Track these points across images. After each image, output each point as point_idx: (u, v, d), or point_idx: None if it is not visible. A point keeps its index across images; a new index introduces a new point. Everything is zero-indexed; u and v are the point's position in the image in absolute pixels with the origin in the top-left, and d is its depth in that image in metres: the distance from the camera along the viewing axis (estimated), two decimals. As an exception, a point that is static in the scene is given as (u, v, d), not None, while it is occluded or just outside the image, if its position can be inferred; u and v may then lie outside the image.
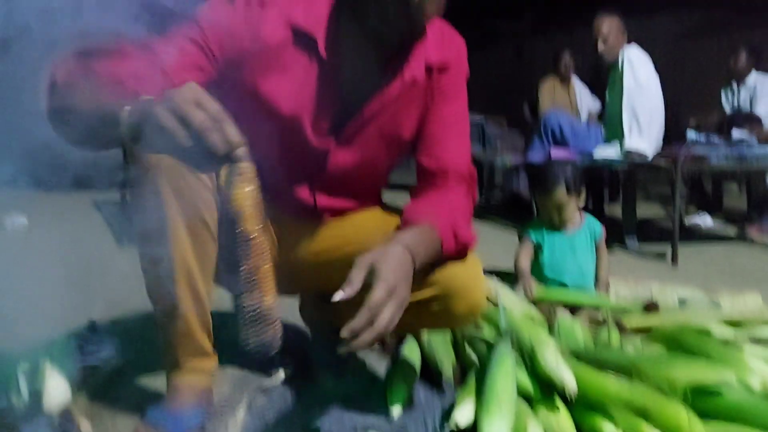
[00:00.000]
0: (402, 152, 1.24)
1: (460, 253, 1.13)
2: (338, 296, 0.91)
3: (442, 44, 1.18)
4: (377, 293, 0.91)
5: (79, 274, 2.40)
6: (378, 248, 0.97)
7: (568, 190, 2.03)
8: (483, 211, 4.71)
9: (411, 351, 1.45)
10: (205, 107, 0.82)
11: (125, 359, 1.46)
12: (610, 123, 3.63)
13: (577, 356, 1.43)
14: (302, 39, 1.09)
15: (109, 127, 0.88)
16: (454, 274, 1.13)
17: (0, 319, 1.79)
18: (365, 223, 1.24)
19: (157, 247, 1.05)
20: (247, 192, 0.87)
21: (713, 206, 4.94)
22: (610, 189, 4.53)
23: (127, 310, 1.91)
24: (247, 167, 0.86)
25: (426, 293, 1.13)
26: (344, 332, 0.89)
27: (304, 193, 1.21)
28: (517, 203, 4.85)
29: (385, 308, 0.91)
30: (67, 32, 0.99)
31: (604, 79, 3.87)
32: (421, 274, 1.08)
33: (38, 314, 1.85)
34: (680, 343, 1.43)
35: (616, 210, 4.35)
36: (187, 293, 1.07)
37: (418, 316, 1.14)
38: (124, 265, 2.34)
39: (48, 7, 1.02)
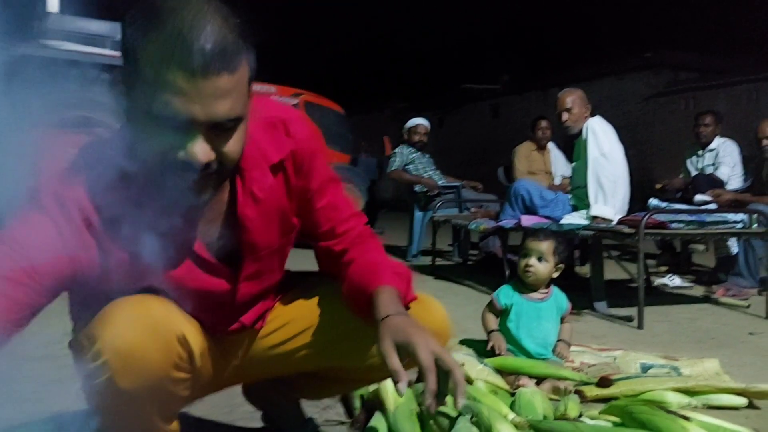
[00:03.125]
0: (292, 243, 1.23)
1: (409, 286, 1.16)
2: (401, 387, 0.92)
3: (281, 136, 1.10)
4: (422, 355, 0.94)
5: (57, 347, 2.43)
6: (384, 329, 0.99)
7: (552, 254, 2.16)
8: (460, 273, 4.81)
9: (378, 425, 1.51)
10: None
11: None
12: (577, 191, 3.80)
13: (536, 428, 1.51)
14: (130, 216, 0.96)
15: None
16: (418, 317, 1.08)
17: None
18: (296, 318, 1.26)
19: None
20: None
21: (682, 266, 5.09)
22: (581, 252, 4.66)
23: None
24: None
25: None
26: (428, 399, 0.92)
27: (232, 323, 1.20)
28: (493, 264, 4.95)
29: (443, 358, 0.95)
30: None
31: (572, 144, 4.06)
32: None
33: (13, 392, 1.87)
34: (632, 416, 1.51)
35: (586, 270, 4.47)
36: None
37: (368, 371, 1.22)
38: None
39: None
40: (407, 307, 1.10)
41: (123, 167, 0.93)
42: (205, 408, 1.70)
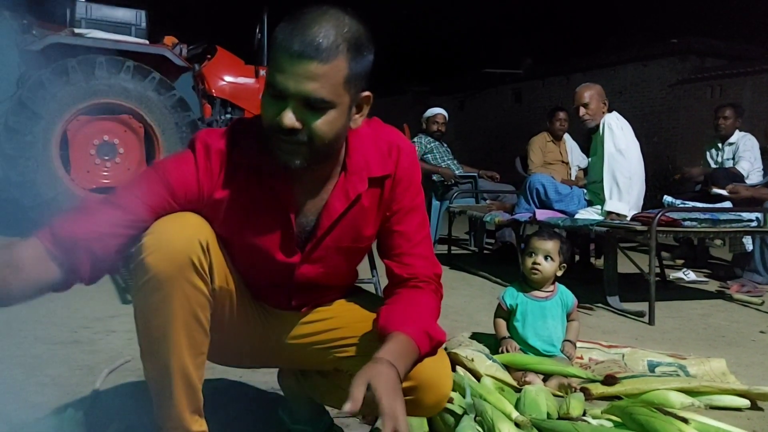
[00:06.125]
0: (365, 253, 1.39)
1: (434, 350, 1.25)
2: (346, 408, 0.99)
3: (387, 157, 1.27)
4: (383, 402, 1.01)
5: (85, 332, 2.54)
6: (369, 366, 1.07)
7: (558, 253, 2.22)
8: (475, 263, 4.86)
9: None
10: None
11: (128, 424, 1.59)
12: (592, 185, 3.82)
13: (538, 428, 1.57)
14: (253, 172, 1.21)
15: None
16: (424, 368, 1.22)
17: (7, 381, 1.92)
18: (341, 314, 1.38)
19: (156, 343, 1.18)
20: None
21: (699, 260, 5.09)
22: (597, 245, 4.68)
23: (130, 371, 2.04)
24: None
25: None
26: None
27: (280, 295, 1.36)
28: (508, 254, 4.99)
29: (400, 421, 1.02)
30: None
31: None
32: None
33: (44, 376, 1.98)
34: (632, 417, 1.57)
35: (602, 263, 4.49)
36: (180, 381, 1.20)
37: None
38: (128, 323, 2.49)
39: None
40: (421, 359, 1.19)
41: (257, 133, 1.18)
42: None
